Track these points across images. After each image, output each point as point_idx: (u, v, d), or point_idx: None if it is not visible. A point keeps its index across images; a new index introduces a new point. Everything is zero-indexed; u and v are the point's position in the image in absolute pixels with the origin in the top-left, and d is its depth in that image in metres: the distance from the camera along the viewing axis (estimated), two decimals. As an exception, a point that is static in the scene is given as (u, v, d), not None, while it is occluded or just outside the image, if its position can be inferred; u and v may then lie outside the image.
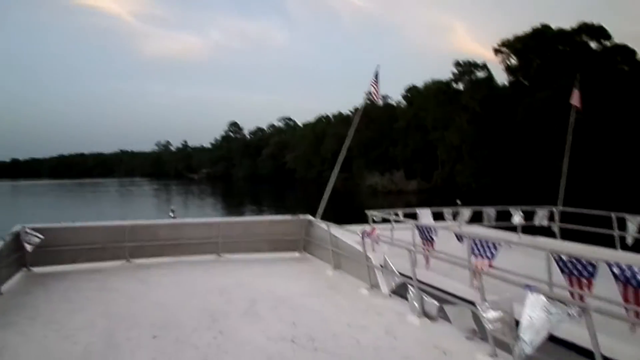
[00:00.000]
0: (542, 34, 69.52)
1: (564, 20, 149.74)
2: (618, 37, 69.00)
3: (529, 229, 11.73)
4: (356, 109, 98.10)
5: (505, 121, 65.74)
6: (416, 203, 55.33)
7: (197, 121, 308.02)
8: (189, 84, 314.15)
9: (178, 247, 9.61)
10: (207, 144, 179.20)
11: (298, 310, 6.36)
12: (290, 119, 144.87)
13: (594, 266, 5.03)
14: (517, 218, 11.09)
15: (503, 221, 11.59)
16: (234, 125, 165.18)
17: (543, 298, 3.92)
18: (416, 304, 5.73)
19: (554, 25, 70.28)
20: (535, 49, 70.13)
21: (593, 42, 70.10)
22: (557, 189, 12.60)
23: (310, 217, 9.84)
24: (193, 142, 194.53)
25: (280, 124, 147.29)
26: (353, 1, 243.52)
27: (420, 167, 78.79)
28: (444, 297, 5.55)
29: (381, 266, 6.76)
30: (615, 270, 4.70)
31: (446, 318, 5.37)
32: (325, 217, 9.79)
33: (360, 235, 7.03)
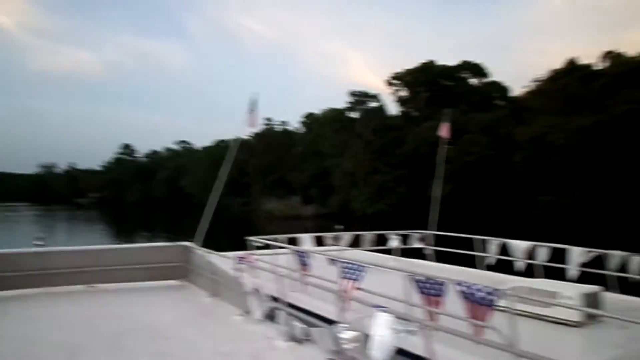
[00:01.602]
0: (429, 69, 74.82)
1: (449, 56, 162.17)
2: (495, 75, 76.25)
3: (408, 252, 12.40)
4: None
5: (396, 149, 69.39)
6: (313, 228, 56.09)
7: (87, 142, 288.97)
8: (80, 102, 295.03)
9: (45, 277, 8.91)
10: (97, 167, 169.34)
11: (166, 340, 6.18)
12: (187, 142, 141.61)
13: (444, 285, 5.46)
14: (394, 242, 11.74)
15: (383, 245, 12.19)
16: (127, 147, 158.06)
17: (390, 317, 4.19)
18: (285, 328, 5.83)
19: (439, 61, 76.04)
20: (423, 82, 75.26)
21: (473, 78, 76.76)
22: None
23: (190, 244, 9.64)
24: (82, 165, 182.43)
25: (177, 147, 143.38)
26: (253, 27, 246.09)
27: (317, 192, 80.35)
28: (312, 320, 5.70)
29: (254, 292, 6.80)
30: (459, 288, 5.13)
31: (313, 340, 5.49)
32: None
33: (235, 261, 7.04)
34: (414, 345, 4.66)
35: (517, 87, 70.42)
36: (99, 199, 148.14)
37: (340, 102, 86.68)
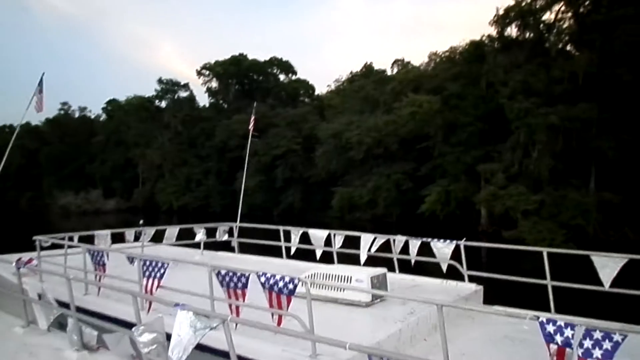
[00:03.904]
0: (240, 61, 75.24)
1: (259, 51, 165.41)
2: (302, 73, 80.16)
3: (216, 245, 12.28)
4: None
5: (206, 141, 68.60)
6: (115, 223, 52.26)
7: None
8: None
9: None
10: None
11: None
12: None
13: (246, 277, 5.53)
14: (200, 235, 11.54)
15: (190, 239, 11.87)
16: None
17: (190, 314, 4.10)
18: (75, 337, 5.33)
19: (250, 55, 76.92)
20: (234, 75, 75.47)
21: (282, 74, 79.50)
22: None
23: None
24: None
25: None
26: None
27: (120, 185, 75.25)
28: (107, 326, 5.30)
29: (40, 298, 6.07)
30: (262, 279, 5.26)
31: (108, 346, 5.12)
32: (3, 247, 8.28)
33: (15, 265, 6.19)
34: (217, 340, 4.63)
35: (322, 85, 75.35)
36: None
37: (148, 89, 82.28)
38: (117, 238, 10.72)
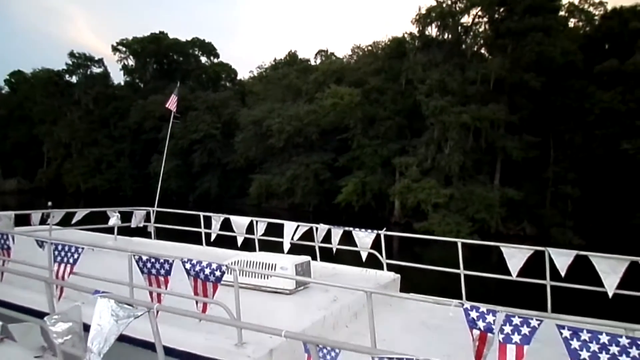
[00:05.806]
0: (159, 40, 72.00)
1: (180, 31, 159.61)
2: (224, 57, 78.10)
3: (130, 230, 11.71)
4: None
5: (120, 120, 65.47)
6: (15, 206, 48.50)
7: None
8: None
9: None
10: None
11: None
12: None
13: (170, 264, 5.31)
14: (114, 220, 10.95)
15: (102, 224, 11.23)
16: None
17: (112, 303, 3.88)
18: (-25, 327, 4.87)
19: (171, 35, 73.82)
20: (152, 53, 72.15)
21: (204, 56, 77.15)
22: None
23: None
24: None
25: None
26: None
27: (22, 164, 69.86)
28: (14, 315, 4.89)
29: None
30: (187, 266, 5.08)
31: (14, 338, 4.72)
32: None
33: None
34: (138, 330, 4.41)
35: (244, 71, 74.05)
36: None
37: (58, 63, 76.53)
38: (21, 220, 9.94)
